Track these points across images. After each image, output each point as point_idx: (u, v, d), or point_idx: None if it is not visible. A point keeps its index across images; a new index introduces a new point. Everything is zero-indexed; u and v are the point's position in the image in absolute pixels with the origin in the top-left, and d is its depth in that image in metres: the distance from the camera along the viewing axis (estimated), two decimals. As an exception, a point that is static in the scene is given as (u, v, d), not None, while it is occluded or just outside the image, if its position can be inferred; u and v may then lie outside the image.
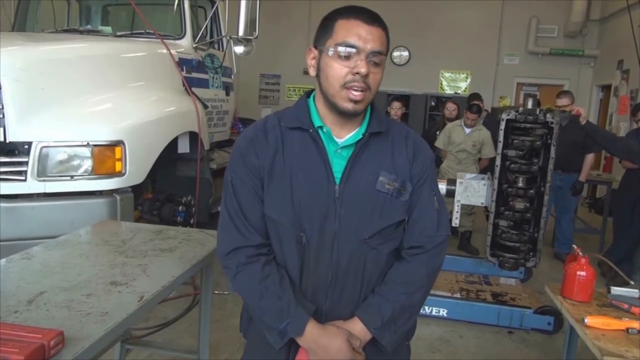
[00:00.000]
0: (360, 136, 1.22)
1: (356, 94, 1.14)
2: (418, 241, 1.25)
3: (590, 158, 4.72)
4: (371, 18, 1.15)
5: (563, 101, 4.47)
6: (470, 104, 5.24)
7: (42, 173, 2.62)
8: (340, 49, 1.13)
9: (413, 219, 1.25)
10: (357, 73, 1.12)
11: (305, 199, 1.18)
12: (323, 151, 1.19)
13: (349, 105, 1.15)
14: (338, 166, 1.20)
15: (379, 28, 1.15)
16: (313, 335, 1.18)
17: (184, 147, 3.56)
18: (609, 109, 8.23)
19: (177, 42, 3.87)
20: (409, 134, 1.29)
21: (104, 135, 2.76)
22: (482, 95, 6.61)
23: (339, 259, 1.20)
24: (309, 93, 1.29)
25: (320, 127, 1.21)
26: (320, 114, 1.23)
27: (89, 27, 4.06)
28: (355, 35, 1.13)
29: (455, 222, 3.38)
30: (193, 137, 3.62)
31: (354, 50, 1.13)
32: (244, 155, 1.22)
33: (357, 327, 1.21)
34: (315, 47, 1.21)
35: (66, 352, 1.04)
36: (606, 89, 8.60)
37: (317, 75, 1.20)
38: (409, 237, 1.26)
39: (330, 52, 1.15)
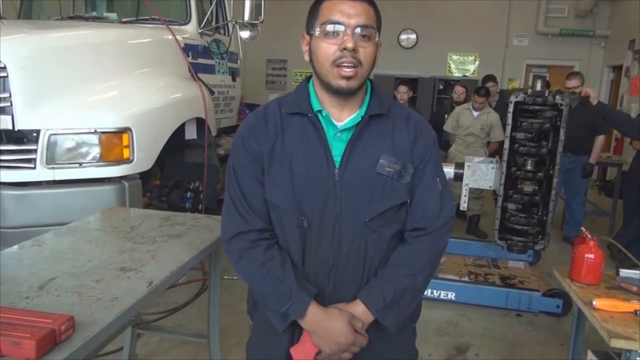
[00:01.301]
0: (360, 119, 1.21)
1: (347, 70, 1.14)
2: (420, 223, 1.25)
3: (600, 140, 4.67)
4: None
5: (573, 82, 4.41)
6: (478, 87, 5.19)
7: (51, 160, 2.64)
8: (326, 27, 1.15)
9: (415, 200, 1.25)
10: (345, 48, 1.13)
11: (305, 183, 1.19)
12: (322, 135, 1.20)
13: (341, 83, 1.16)
14: (337, 150, 1.20)
15: (363, 2, 1.16)
16: (315, 317, 1.19)
17: (191, 134, 3.56)
18: (620, 90, 8.11)
19: (183, 27, 3.85)
20: (410, 116, 1.29)
21: (111, 122, 2.76)
22: (491, 77, 6.51)
23: (341, 242, 1.20)
24: (308, 78, 1.29)
25: (320, 111, 1.21)
26: (319, 97, 1.23)
27: (94, 13, 4.03)
28: (339, 12, 1.14)
29: (464, 205, 3.37)
30: (200, 123, 3.62)
31: (340, 27, 1.14)
32: (245, 141, 1.23)
33: (359, 309, 1.21)
34: (308, 33, 1.22)
35: (77, 337, 1.06)
36: (617, 69, 8.46)
37: (311, 60, 1.22)
38: (411, 219, 1.25)
39: (317, 33, 1.16)
